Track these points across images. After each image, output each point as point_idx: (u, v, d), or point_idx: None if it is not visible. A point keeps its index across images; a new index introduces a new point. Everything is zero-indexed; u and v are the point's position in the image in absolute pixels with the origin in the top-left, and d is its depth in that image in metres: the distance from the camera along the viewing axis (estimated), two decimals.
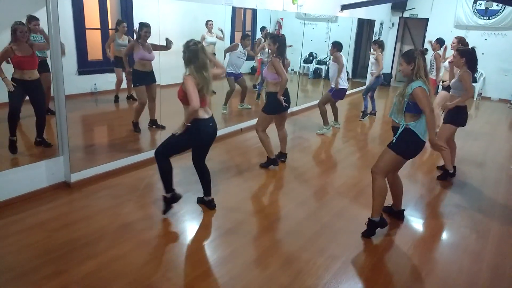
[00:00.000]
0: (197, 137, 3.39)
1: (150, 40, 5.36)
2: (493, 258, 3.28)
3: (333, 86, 6.40)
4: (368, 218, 3.45)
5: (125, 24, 6.06)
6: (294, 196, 4.22)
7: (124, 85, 6.21)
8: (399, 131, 3.27)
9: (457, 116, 4.57)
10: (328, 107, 6.67)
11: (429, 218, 3.98)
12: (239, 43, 6.89)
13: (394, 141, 3.31)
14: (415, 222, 3.86)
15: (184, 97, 3.24)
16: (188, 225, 3.54)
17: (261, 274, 2.90)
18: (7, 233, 3.20)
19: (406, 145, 3.29)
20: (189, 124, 3.27)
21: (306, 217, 3.79)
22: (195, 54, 3.17)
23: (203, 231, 3.48)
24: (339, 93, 6.47)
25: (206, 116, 3.36)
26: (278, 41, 4.53)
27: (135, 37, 5.39)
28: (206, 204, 3.81)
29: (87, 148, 5.07)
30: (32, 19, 4.26)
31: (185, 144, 3.47)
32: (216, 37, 7.11)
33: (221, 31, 6.88)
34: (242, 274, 2.89)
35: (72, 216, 3.54)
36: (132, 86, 5.60)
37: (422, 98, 3.13)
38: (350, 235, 3.48)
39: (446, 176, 4.81)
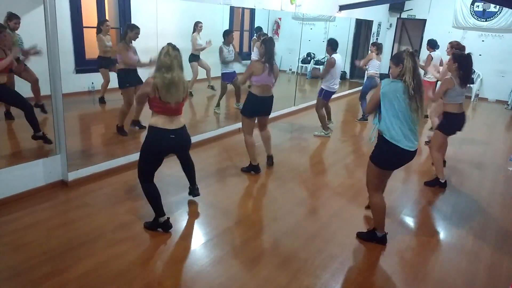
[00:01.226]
0: (153, 148, 3.15)
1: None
2: (490, 258, 3.29)
3: (323, 87, 6.35)
4: (373, 228, 3.40)
5: (108, 23, 5.99)
6: (292, 196, 4.22)
7: (115, 84, 6.15)
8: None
9: (446, 123, 4.49)
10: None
11: (426, 219, 4.00)
12: (222, 44, 6.71)
13: (372, 152, 3.25)
14: (413, 223, 3.87)
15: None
16: (186, 225, 3.53)
17: (259, 274, 2.90)
18: (4, 232, 3.19)
19: (381, 154, 3.16)
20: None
21: (304, 217, 3.79)
22: (159, 55, 3.04)
23: (201, 231, 3.47)
24: (327, 95, 6.39)
25: (167, 127, 3.11)
26: (263, 43, 4.41)
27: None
28: (190, 191, 3.84)
29: (84, 147, 5.05)
30: (13, 17, 4.19)
31: (149, 157, 3.20)
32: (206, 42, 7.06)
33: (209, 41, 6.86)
34: (240, 273, 2.89)
35: (69, 215, 3.52)
36: (119, 87, 5.50)
37: (374, 93, 3.11)
38: (347, 235, 3.48)
39: (435, 184, 4.65)
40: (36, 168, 3.84)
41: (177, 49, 3.09)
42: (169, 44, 3.10)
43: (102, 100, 6.25)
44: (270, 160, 4.98)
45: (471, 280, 3.01)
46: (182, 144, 3.32)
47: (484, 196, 4.56)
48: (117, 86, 6.14)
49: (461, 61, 4.27)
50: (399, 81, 2.99)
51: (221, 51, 6.70)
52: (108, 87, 6.19)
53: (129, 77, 5.27)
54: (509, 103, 10.24)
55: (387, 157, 3.15)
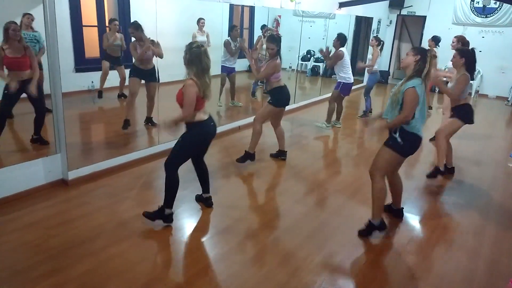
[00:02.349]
0: (201, 140, 3.38)
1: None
2: (489, 255, 3.29)
3: (340, 80, 6.45)
4: (368, 220, 3.42)
5: (116, 22, 6.02)
6: (292, 194, 4.22)
7: (116, 83, 6.18)
8: (394, 132, 3.23)
9: (466, 112, 4.54)
10: None
11: (426, 216, 3.99)
12: (228, 38, 6.84)
13: (390, 140, 3.29)
14: (413, 219, 3.87)
15: (182, 102, 3.15)
16: (186, 223, 3.54)
17: (259, 271, 2.90)
18: (4, 231, 3.19)
19: (405, 143, 3.24)
20: (185, 129, 3.31)
21: (304, 214, 3.79)
22: (198, 57, 3.08)
23: (201, 229, 3.48)
24: (346, 88, 6.49)
25: (206, 117, 3.31)
26: (279, 43, 4.58)
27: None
28: (204, 201, 3.79)
29: (84, 146, 5.06)
30: (25, 13, 4.21)
31: (192, 150, 3.42)
32: (207, 36, 7.13)
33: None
34: (240, 271, 2.90)
35: (69, 214, 3.53)
36: (124, 83, 5.57)
37: (409, 101, 3.08)
38: (348, 232, 3.48)
39: (436, 174, 4.68)
40: (36, 167, 3.85)
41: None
42: (201, 44, 3.16)
43: (100, 95, 6.25)
44: (284, 154, 5.10)
45: (470, 277, 3.01)
46: (216, 129, 3.48)
47: (484, 193, 4.56)
48: (118, 84, 6.19)
49: (468, 56, 4.33)
50: (420, 79, 3.11)
51: (227, 44, 6.79)
52: (109, 85, 6.20)
53: (138, 72, 5.34)
54: (509, 99, 10.21)
55: (411, 146, 3.30)
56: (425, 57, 3.11)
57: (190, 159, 3.59)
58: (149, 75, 5.42)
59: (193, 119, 3.22)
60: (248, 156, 4.79)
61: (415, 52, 3.16)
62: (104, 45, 5.90)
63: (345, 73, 6.41)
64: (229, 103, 7.39)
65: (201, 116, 3.26)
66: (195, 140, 3.34)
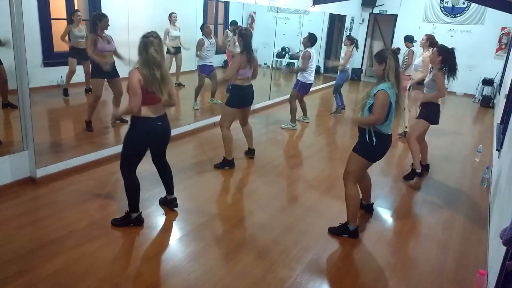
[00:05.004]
0: (142, 138, 3.15)
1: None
2: (458, 247, 3.40)
3: (299, 79, 6.48)
4: (345, 222, 3.42)
5: (79, 13, 5.83)
6: (267, 190, 4.23)
7: (82, 78, 6.01)
8: (364, 132, 3.22)
9: (431, 113, 4.64)
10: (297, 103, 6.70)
11: (397, 210, 4.08)
12: (203, 37, 6.70)
13: (358, 145, 3.29)
14: (384, 214, 3.95)
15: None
16: (160, 220, 3.49)
17: (235, 267, 2.90)
18: None
19: (370, 147, 3.23)
20: (129, 121, 3.12)
21: (279, 210, 3.81)
22: (144, 46, 2.92)
23: (175, 226, 3.44)
24: (304, 88, 6.50)
25: (152, 115, 3.08)
26: (240, 36, 4.42)
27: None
28: (168, 203, 3.63)
29: (53, 142, 4.90)
30: None
31: (135, 149, 3.17)
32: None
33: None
34: (216, 267, 2.88)
35: (38, 213, 3.42)
36: (90, 78, 5.37)
37: (378, 103, 3.07)
38: (322, 227, 3.52)
39: (413, 176, 4.75)
40: (2, 165, 3.70)
41: (161, 39, 3.04)
42: (153, 34, 2.98)
43: (66, 93, 6.07)
44: (252, 152, 5.03)
45: (440, 268, 3.10)
46: (166, 131, 3.29)
47: (453, 187, 4.70)
48: (83, 80, 6.03)
49: (445, 54, 4.41)
50: (389, 83, 3.10)
51: (200, 43, 6.64)
52: (76, 80, 6.03)
53: (99, 68, 5.06)
54: (476, 96, 10.57)
55: (379, 150, 3.29)
56: (386, 59, 3.11)
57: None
58: (111, 71, 5.23)
59: (139, 114, 3.03)
60: (226, 162, 4.67)
61: (378, 61, 3.16)
62: (63, 37, 5.70)
63: (307, 73, 6.39)
64: (208, 100, 7.32)
65: (148, 113, 3.06)
66: (136, 139, 3.13)
